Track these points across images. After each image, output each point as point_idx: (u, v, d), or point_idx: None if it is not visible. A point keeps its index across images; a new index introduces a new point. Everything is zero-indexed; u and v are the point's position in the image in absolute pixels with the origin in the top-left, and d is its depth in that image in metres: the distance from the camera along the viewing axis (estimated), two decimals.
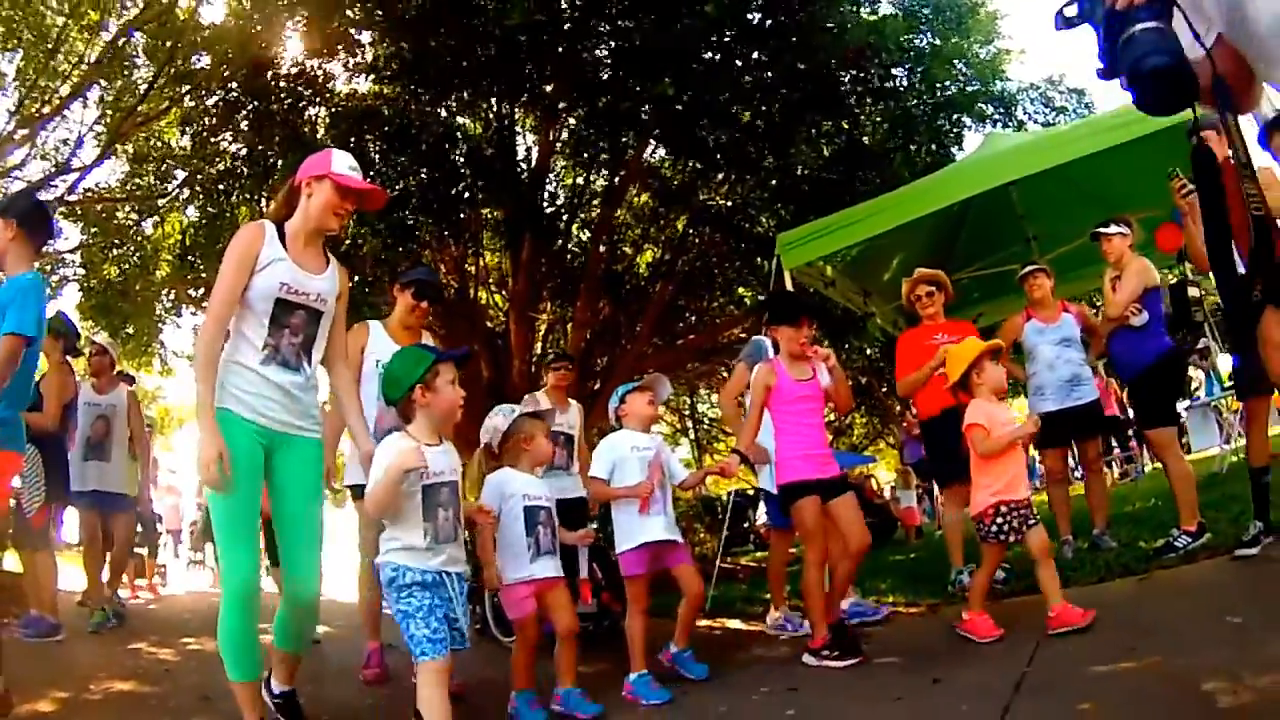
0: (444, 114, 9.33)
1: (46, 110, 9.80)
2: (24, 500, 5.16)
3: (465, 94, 9.09)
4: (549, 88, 8.87)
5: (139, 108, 9.59)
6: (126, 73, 9.74)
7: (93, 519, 6.07)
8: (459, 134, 9.52)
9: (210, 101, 8.92)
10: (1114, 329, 5.03)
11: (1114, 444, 12.54)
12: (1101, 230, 5.11)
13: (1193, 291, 7.66)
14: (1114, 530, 5.40)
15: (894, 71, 8.87)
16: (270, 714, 3.00)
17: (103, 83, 9.91)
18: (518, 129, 10.43)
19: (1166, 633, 3.06)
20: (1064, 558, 5.03)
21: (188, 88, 9.38)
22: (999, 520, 3.62)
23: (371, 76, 9.06)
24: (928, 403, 5.12)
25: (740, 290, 11.20)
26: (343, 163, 2.91)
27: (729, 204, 10.28)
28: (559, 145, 10.37)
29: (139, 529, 7.73)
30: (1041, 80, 10.69)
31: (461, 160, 9.18)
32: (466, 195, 9.13)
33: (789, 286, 6.21)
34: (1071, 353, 5.22)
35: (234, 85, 8.57)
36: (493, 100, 9.46)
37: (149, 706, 3.79)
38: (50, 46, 9.47)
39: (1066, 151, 5.48)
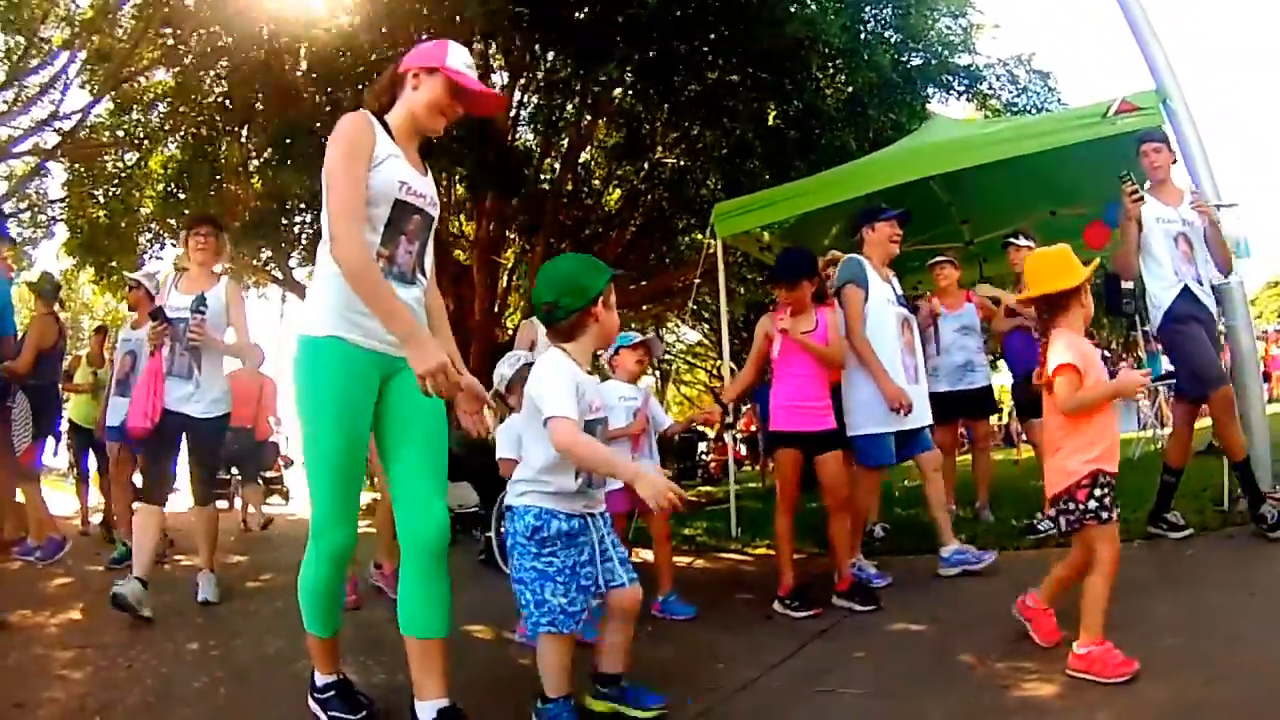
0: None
1: (34, 63, 9.91)
2: (15, 440, 5.68)
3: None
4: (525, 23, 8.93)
5: (128, 57, 9.71)
6: (111, 28, 9.80)
7: (118, 453, 6.25)
8: None
9: (192, 41, 9.07)
10: (1014, 327, 5.53)
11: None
12: (1012, 241, 5.52)
13: (1126, 284, 8.13)
14: (995, 506, 5.89)
15: (853, 43, 9.07)
16: None
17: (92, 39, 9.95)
18: (493, 66, 10.62)
19: (971, 606, 3.59)
20: None
21: (169, 29, 9.51)
22: (1097, 492, 2.75)
23: (351, 19, 9.21)
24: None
25: (697, 236, 11.58)
26: (459, 58, 2.46)
27: (681, 163, 10.58)
28: (533, 85, 10.58)
29: None
30: (1010, 57, 10.89)
31: None
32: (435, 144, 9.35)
33: (720, 253, 6.69)
34: (968, 340, 5.75)
35: (216, 27, 8.69)
36: (471, 38, 9.64)
37: (160, 613, 4.28)
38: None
39: (987, 153, 5.80)
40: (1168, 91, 4.99)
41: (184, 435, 4.42)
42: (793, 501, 4.09)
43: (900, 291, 4.59)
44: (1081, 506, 2.76)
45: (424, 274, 2.54)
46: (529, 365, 3.65)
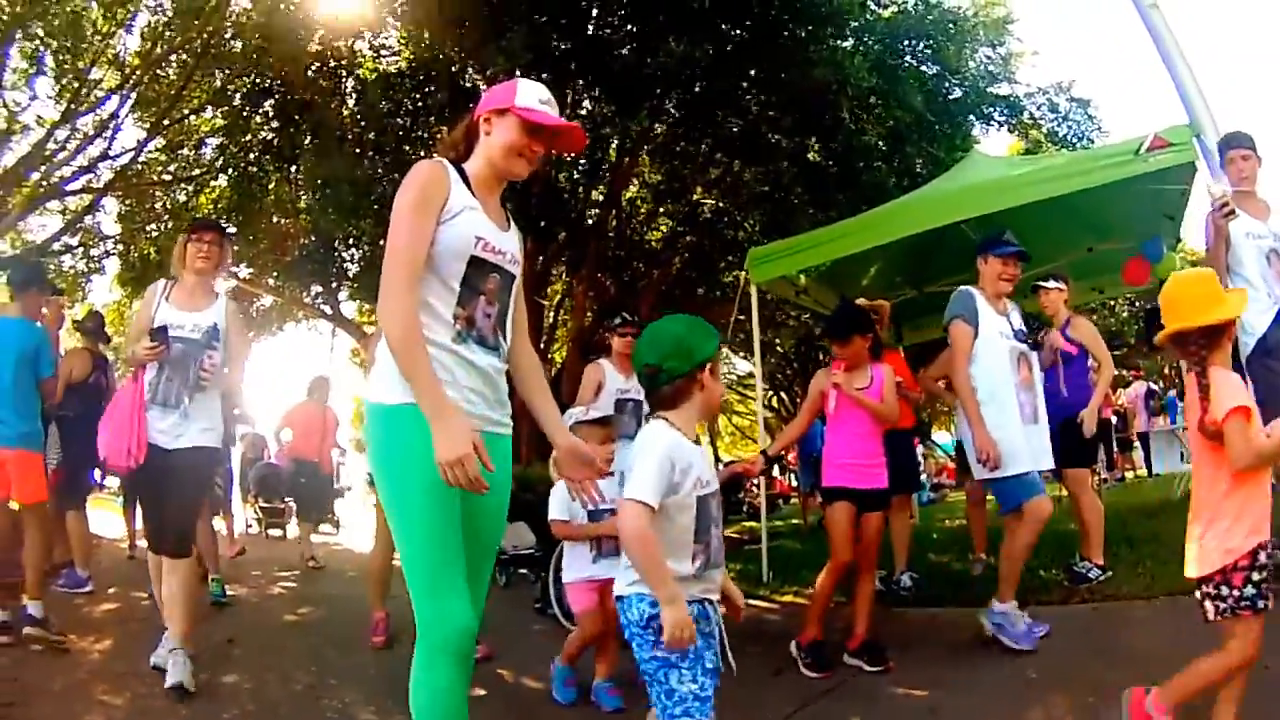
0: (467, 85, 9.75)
1: (84, 106, 10.31)
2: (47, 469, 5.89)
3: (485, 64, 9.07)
4: (566, 47, 9.06)
5: (177, 99, 10.05)
6: (161, 71, 10.17)
7: None
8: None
9: (240, 80, 9.51)
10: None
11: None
12: (1040, 284, 5.41)
13: None
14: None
15: (887, 82, 9.11)
16: None
17: (142, 78, 10.27)
18: None
19: (981, 670, 3.54)
20: (974, 574, 5.58)
21: (217, 70, 9.88)
22: (1255, 576, 2.30)
23: (396, 58, 9.63)
24: None
25: (740, 274, 11.68)
26: (531, 95, 2.27)
27: (720, 204, 10.70)
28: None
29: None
30: (1050, 85, 10.87)
31: None
32: None
33: (753, 298, 6.70)
34: None
35: (265, 69, 9.13)
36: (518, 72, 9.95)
37: (197, 643, 4.28)
38: (86, 46, 9.96)
39: (1021, 194, 5.60)
40: (1201, 125, 4.78)
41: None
42: (847, 562, 3.89)
43: (1019, 325, 4.19)
44: (1237, 592, 2.31)
45: (506, 337, 2.32)
46: (582, 424, 3.58)
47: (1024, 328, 4.21)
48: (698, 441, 2.25)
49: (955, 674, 3.61)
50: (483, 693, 3.03)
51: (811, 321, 10.75)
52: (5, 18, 8.95)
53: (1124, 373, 14.42)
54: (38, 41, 9.75)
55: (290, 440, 8.73)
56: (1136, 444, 13.09)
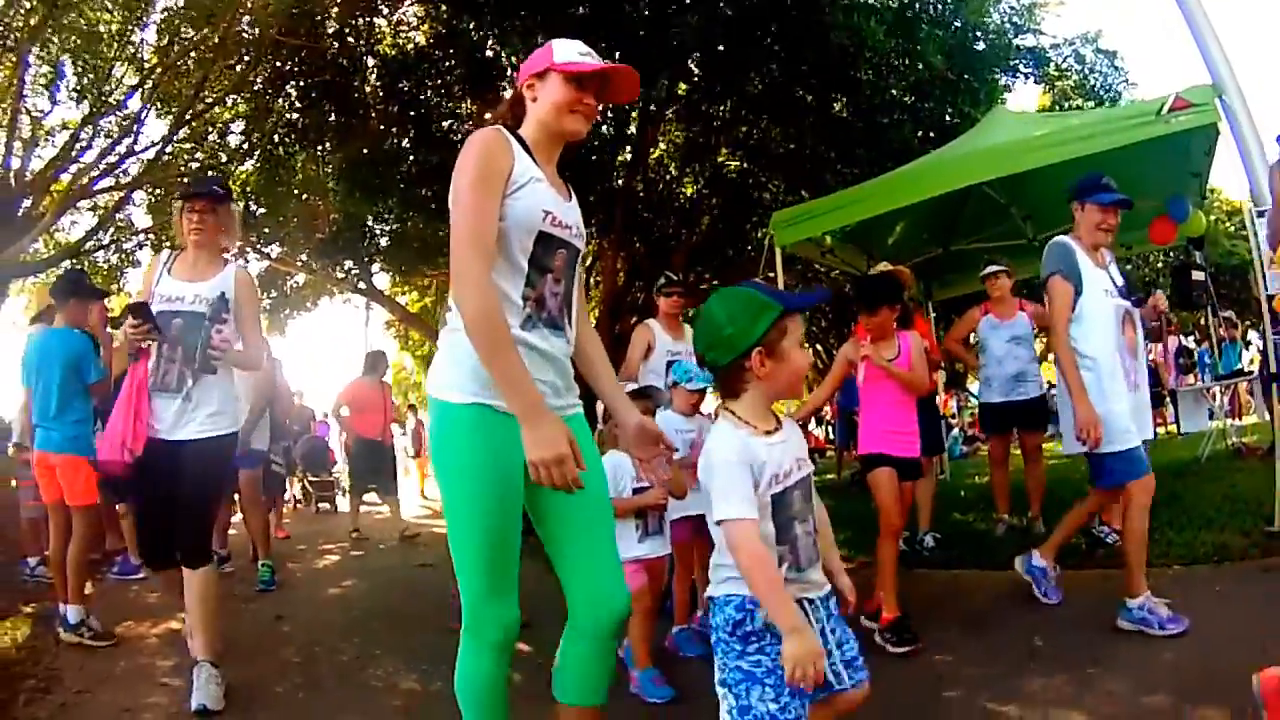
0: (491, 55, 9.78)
1: (106, 107, 10.36)
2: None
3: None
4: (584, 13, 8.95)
5: (198, 92, 10.08)
6: (180, 67, 10.15)
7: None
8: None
9: (261, 67, 9.58)
10: None
11: None
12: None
13: (1196, 275, 7.85)
14: (1048, 518, 5.54)
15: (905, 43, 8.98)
16: None
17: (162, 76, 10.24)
18: None
19: (995, 634, 3.60)
20: (996, 534, 5.62)
21: (237, 60, 9.89)
22: None
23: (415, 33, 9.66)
24: None
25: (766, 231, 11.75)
26: (569, 49, 2.14)
27: (745, 165, 10.65)
28: None
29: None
30: (1076, 36, 10.65)
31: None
32: None
33: (778, 261, 6.75)
34: (1021, 350, 5.63)
35: (284, 51, 9.21)
36: (538, 39, 9.96)
37: (247, 621, 4.80)
38: (105, 48, 10.04)
39: (1042, 156, 5.61)
40: (1224, 86, 4.71)
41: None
42: (897, 526, 3.87)
43: (1121, 281, 3.77)
44: None
45: (571, 318, 2.18)
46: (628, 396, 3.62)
47: (1125, 283, 3.81)
48: (778, 424, 1.99)
49: (967, 640, 3.66)
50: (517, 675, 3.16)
51: (842, 279, 10.71)
52: (19, 34, 9.07)
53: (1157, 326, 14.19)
54: (55, 48, 9.83)
55: (350, 418, 8.65)
56: (1168, 399, 12.99)
